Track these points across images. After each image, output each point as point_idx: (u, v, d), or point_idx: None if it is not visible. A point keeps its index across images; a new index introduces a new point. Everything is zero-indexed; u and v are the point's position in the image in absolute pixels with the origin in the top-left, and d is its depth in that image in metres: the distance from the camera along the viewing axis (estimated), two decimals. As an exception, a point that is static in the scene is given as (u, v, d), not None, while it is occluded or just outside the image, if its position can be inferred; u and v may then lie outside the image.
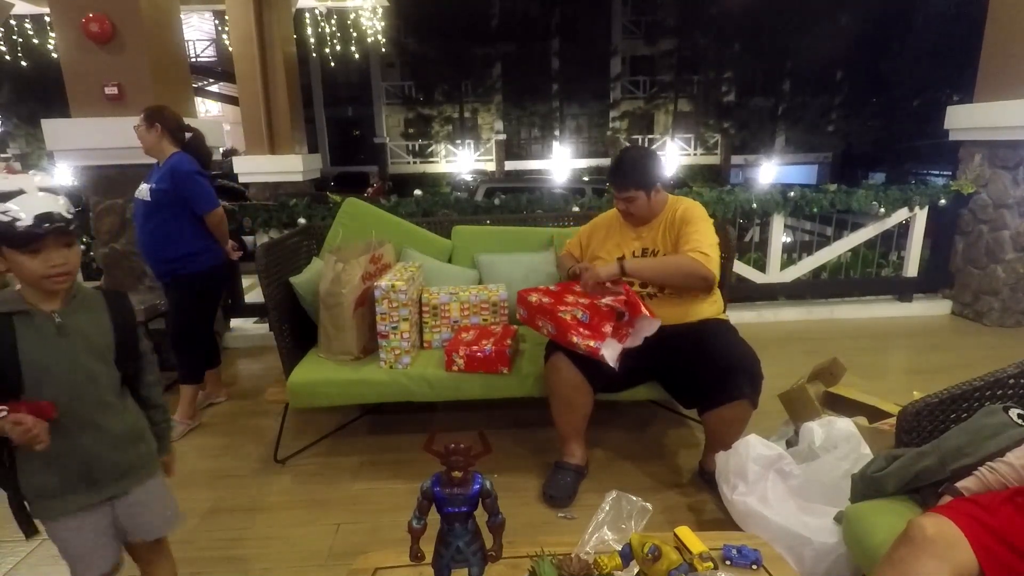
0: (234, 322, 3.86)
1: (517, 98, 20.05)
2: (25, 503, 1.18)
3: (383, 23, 8.69)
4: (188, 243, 2.52)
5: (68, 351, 1.16)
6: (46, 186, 1.31)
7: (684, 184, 9.55)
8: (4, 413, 1.06)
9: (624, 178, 2.08)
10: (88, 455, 1.20)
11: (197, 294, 2.60)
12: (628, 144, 17.39)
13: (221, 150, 3.89)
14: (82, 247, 1.27)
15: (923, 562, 1.08)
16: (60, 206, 1.13)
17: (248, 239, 4.59)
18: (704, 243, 2.00)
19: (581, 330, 1.90)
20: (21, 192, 1.10)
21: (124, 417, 1.26)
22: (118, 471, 1.25)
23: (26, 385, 1.12)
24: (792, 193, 3.81)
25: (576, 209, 3.56)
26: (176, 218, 2.48)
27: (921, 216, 3.94)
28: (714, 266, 1.98)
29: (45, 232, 1.09)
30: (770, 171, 19.76)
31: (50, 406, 1.10)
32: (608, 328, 1.89)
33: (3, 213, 1.08)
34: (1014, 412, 1.33)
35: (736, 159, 20.42)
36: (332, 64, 10.16)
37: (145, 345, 1.32)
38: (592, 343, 1.86)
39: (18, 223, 1.08)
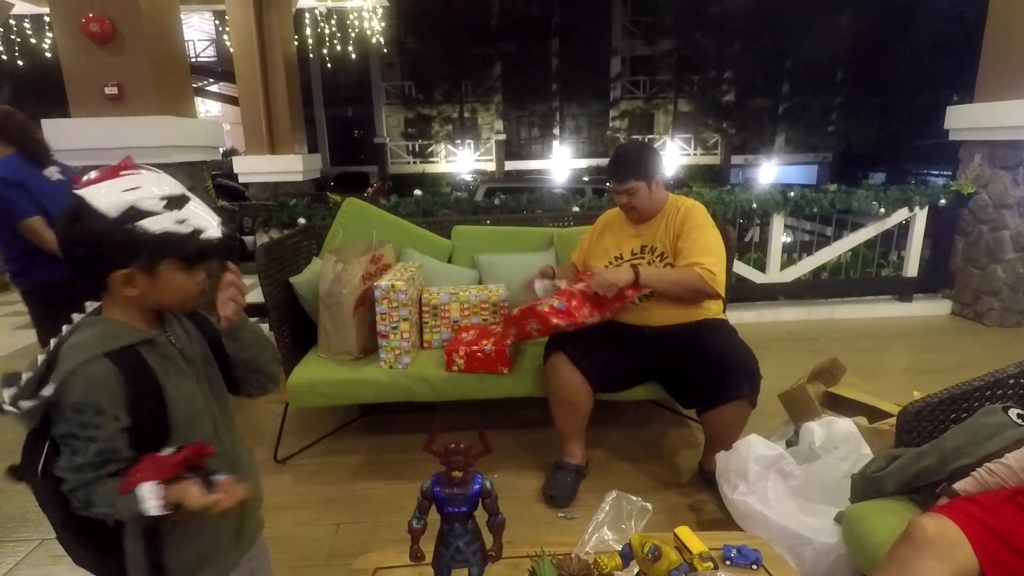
0: (234, 322, 3.86)
1: (517, 98, 20.04)
2: None
3: (383, 23, 8.70)
4: (16, 257, 2.28)
5: (197, 375, 0.98)
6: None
7: (684, 184, 9.56)
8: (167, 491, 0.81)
9: (623, 170, 2.08)
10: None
11: (43, 307, 2.38)
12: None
13: (221, 150, 3.88)
14: None
15: (924, 562, 1.08)
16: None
17: (248, 239, 4.59)
18: (711, 257, 1.98)
19: (560, 316, 1.97)
20: (185, 198, 0.91)
21: (244, 441, 1.09)
22: (258, 514, 1.09)
23: (173, 432, 0.92)
24: (792, 193, 3.81)
25: (576, 209, 3.56)
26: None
27: (921, 216, 3.94)
28: (720, 284, 1.99)
29: (230, 248, 0.93)
30: (770, 171, 19.76)
31: (202, 446, 0.88)
32: (586, 311, 1.99)
33: (181, 223, 0.87)
34: (1014, 412, 1.33)
35: (736, 159, 20.42)
36: (332, 64, 10.18)
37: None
38: (579, 314, 1.98)
39: (203, 236, 0.89)
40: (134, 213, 0.84)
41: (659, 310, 2.02)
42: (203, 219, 0.90)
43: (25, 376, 0.86)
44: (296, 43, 6.65)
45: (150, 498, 0.80)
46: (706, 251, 1.99)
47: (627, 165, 2.07)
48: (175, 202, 0.88)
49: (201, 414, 0.97)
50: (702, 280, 1.95)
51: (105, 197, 0.84)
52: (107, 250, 0.85)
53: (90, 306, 0.95)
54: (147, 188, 0.87)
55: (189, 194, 0.92)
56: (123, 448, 0.87)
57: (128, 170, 0.88)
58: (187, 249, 0.89)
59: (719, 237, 2.07)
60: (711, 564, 1.07)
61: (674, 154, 20.12)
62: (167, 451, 0.87)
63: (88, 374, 0.85)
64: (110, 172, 0.87)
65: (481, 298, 2.39)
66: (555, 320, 1.96)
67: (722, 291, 2.00)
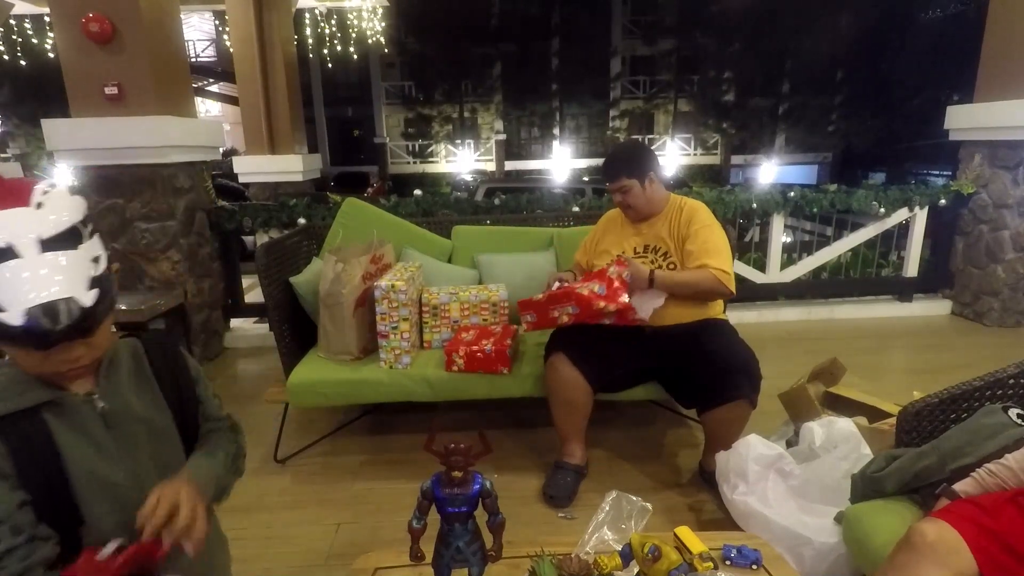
0: (234, 322, 3.86)
1: (517, 98, 20.05)
2: None
3: (383, 23, 8.69)
4: None
5: (125, 445, 0.81)
6: (59, 230, 0.70)
7: (684, 184, 9.55)
8: None
9: (615, 168, 2.09)
10: None
11: None
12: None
13: (221, 150, 3.88)
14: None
15: (924, 568, 1.08)
16: (77, 282, 0.71)
17: (248, 239, 4.59)
18: (720, 257, 1.99)
19: (604, 299, 1.87)
20: (11, 252, 0.68)
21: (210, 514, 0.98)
22: None
23: (84, 511, 0.77)
24: (792, 193, 3.81)
25: (576, 209, 3.56)
26: None
27: (921, 216, 3.94)
28: (732, 282, 2.00)
29: (44, 339, 0.70)
30: (770, 171, 19.76)
31: (150, 546, 0.72)
32: (624, 297, 1.87)
33: None
34: (1014, 412, 1.33)
35: (736, 159, 20.42)
36: (332, 64, 10.17)
37: (212, 405, 1.00)
38: (621, 299, 1.84)
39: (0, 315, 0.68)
40: None
41: (660, 309, 2.02)
42: (12, 296, 0.67)
43: None
44: (296, 43, 6.65)
45: None
46: (714, 251, 2.00)
47: (618, 164, 2.09)
48: None
49: (115, 487, 0.81)
50: (717, 281, 1.96)
51: None
52: None
53: None
54: None
55: (28, 247, 0.69)
56: (36, 522, 0.73)
57: None
58: None
59: (724, 235, 2.08)
60: (711, 564, 1.07)
61: (674, 154, 20.12)
62: (109, 548, 0.72)
63: None
64: None
65: (481, 298, 2.39)
66: (600, 303, 1.84)
67: (734, 289, 2.01)
